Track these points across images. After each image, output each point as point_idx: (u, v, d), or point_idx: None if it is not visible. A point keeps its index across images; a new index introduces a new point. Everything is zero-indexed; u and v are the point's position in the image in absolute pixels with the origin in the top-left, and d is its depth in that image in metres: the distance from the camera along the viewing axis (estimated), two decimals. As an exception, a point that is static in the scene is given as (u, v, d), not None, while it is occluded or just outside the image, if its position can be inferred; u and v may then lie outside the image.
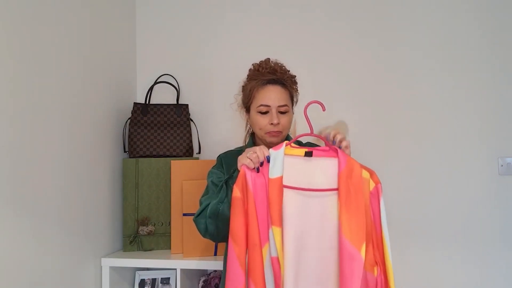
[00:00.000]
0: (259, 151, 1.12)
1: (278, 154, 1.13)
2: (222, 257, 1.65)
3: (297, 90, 1.38)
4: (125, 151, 1.90)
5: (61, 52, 1.48)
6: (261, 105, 1.28)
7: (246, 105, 1.35)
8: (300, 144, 1.38)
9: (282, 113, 1.29)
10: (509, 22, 1.81)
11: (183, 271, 1.66)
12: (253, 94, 1.30)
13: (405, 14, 1.90)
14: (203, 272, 1.84)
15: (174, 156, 1.84)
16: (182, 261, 1.64)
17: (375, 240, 1.08)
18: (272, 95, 1.28)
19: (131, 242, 1.76)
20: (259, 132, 1.32)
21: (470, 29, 1.84)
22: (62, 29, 1.48)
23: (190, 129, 1.89)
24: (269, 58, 1.36)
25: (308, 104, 1.16)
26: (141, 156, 1.82)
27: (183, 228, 1.67)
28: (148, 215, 1.78)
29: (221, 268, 1.51)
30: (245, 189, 1.12)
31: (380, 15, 1.91)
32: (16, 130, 1.25)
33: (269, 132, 1.29)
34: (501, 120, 1.80)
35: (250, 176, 1.12)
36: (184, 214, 1.67)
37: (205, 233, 1.23)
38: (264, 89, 1.29)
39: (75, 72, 1.55)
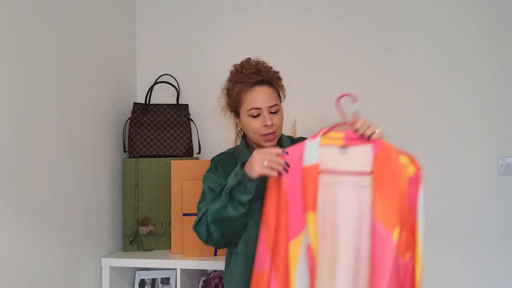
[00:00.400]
0: (271, 155, 1.07)
1: (314, 143, 1.12)
2: (223, 257, 1.65)
3: (283, 86, 1.35)
4: (125, 151, 1.90)
5: (61, 52, 1.48)
6: (252, 108, 1.25)
7: (235, 110, 1.31)
8: (292, 141, 1.36)
9: (273, 113, 1.26)
10: (509, 22, 1.81)
11: (183, 271, 1.66)
12: (241, 98, 1.26)
13: (405, 14, 1.90)
14: (203, 272, 1.84)
15: (174, 156, 1.84)
16: (182, 261, 1.64)
17: (410, 227, 1.06)
18: (261, 97, 1.25)
19: (131, 242, 1.76)
20: (253, 136, 1.29)
21: (470, 29, 1.84)
22: (62, 29, 1.48)
23: (190, 129, 1.89)
24: (249, 58, 1.32)
25: (340, 97, 1.16)
26: (141, 156, 1.82)
27: (183, 228, 1.67)
28: (148, 215, 1.78)
29: (221, 268, 1.51)
30: (278, 180, 1.12)
31: (380, 15, 1.91)
32: (16, 130, 1.25)
33: (264, 135, 1.26)
34: (501, 120, 1.80)
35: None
36: (184, 214, 1.67)
37: (207, 240, 1.21)
38: (252, 91, 1.25)
39: (75, 72, 1.55)
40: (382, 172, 1.06)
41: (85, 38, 1.63)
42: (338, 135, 1.13)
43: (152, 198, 1.79)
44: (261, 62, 1.31)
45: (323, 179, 1.10)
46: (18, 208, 1.26)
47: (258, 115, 1.25)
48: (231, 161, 1.33)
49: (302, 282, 1.05)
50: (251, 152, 1.30)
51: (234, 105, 1.30)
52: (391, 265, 1.00)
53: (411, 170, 1.08)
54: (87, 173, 1.62)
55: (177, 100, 1.96)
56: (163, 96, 1.98)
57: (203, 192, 1.29)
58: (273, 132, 1.27)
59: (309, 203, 1.06)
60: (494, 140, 1.80)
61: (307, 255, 1.05)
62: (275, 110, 1.27)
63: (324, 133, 1.13)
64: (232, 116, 1.35)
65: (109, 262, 1.68)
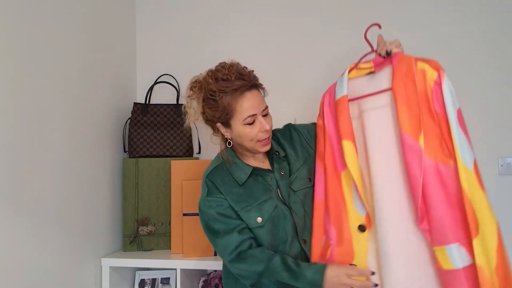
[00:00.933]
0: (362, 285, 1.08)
1: (342, 78, 1.23)
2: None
3: (262, 84, 1.26)
4: (125, 151, 1.90)
5: (61, 52, 1.48)
6: (248, 116, 1.17)
7: (223, 121, 1.21)
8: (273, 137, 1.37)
9: (265, 115, 1.22)
10: (509, 22, 1.81)
11: (183, 271, 1.66)
12: (233, 107, 1.17)
13: (405, 14, 1.89)
14: (203, 272, 1.84)
15: (174, 156, 1.84)
16: (182, 261, 1.64)
17: (445, 131, 1.07)
18: (253, 103, 1.18)
19: (131, 242, 1.76)
20: (249, 143, 1.21)
21: (470, 29, 1.84)
22: (62, 29, 1.48)
23: (190, 129, 1.89)
24: (224, 62, 1.23)
25: (368, 28, 1.24)
26: (141, 156, 1.82)
27: (183, 228, 1.67)
28: (148, 215, 1.78)
29: (221, 268, 1.51)
30: (322, 116, 1.27)
31: (380, 15, 1.91)
32: (16, 130, 1.25)
33: (261, 141, 1.22)
34: (501, 120, 1.80)
35: (326, 105, 1.26)
36: (184, 214, 1.67)
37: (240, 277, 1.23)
38: (244, 99, 1.17)
39: (75, 72, 1.55)
40: (402, 83, 1.10)
41: (85, 38, 1.63)
42: (367, 64, 1.21)
43: (152, 198, 1.79)
44: (236, 64, 1.23)
45: (353, 109, 1.20)
46: (18, 208, 1.26)
47: (253, 122, 1.19)
48: (226, 173, 1.26)
49: (360, 208, 1.14)
50: (243, 162, 1.27)
51: (224, 116, 1.19)
52: (421, 170, 1.03)
53: (432, 74, 1.09)
54: (87, 173, 1.62)
55: (177, 100, 1.96)
56: (163, 96, 1.98)
57: (212, 221, 1.21)
58: (269, 135, 1.24)
59: (342, 132, 1.16)
60: (494, 140, 1.80)
61: (352, 181, 1.14)
62: (267, 113, 1.23)
63: (353, 68, 1.23)
64: (219, 126, 1.24)
65: (109, 262, 1.68)
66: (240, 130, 1.20)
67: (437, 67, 1.08)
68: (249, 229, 1.21)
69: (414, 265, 1.06)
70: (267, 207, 1.22)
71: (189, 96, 1.25)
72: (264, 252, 1.18)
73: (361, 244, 1.13)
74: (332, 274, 1.09)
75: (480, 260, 0.96)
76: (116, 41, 1.90)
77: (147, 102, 1.90)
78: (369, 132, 1.17)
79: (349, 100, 1.20)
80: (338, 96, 1.21)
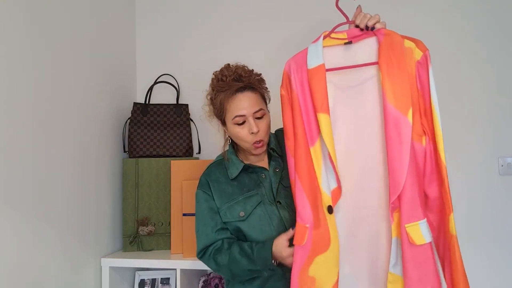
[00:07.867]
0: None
1: (317, 46, 1.14)
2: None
3: (267, 88, 1.30)
4: (125, 151, 1.90)
5: (61, 52, 1.48)
6: (236, 116, 1.21)
7: (221, 118, 1.28)
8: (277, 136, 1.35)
9: (258, 118, 1.23)
10: (509, 22, 1.81)
11: (183, 271, 1.66)
12: (225, 106, 1.22)
13: (404, 13, 1.89)
14: (203, 272, 1.84)
15: (174, 156, 1.84)
16: (182, 261, 1.64)
17: (422, 109, 1.06)
18: (244, 104, 1.21)
19: (131, 242, 1.76)
20: (244, 145, 1.26)
21: (470, 29, 1.84)
22: (62, 29, 1.48)
23: (190, 129, 1.89)
24: (228, 64, 1.28)
25: None
26: (141, 156, 1.82)
27: (183, 228, 1.67)
28: (148, 215, 1.78)
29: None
30: (289, 88, 1.16)
31: (380, 15, 1.91)
32: (16, 131, 1.25)
33: (254, 143, 1.23)
34: (501, 120, 1.80)
35: (294, 75, 1.15)
36: (184, 214, 1.67)
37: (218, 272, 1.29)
38: (235, 99, 1.21)
39: (75, 72, 1.55)
40: (389, 58, 1.06)
41: (85, 38, 1.63)
42: (341, 35, 1.15)
43: (152, 198, 1.79)
44: (241, 67, 1.27)
45: (331, 79, 1.12)
46: (18, 208, 1.26)
47: (243, 122, 1.22)
48: (221, 171, 1.31)
49: (328, 186, 1.09)
50: (239, 159, 1.30)
51: (219, 114, 1.27)
52: (409, 146, 1.00)
53: (417, 54, 1.07)
54: (87, 173, 1.62)
55: (177, 100, 1.96)
56: (163, 96, 1.98)
57: (200, 211, 1.32)
58: (260, 140, 1.24)
59: (318, 104, 1.09)
60: (494, 140, 1.80)
61: (329, 160, 1.08)
62: (260, 115, 1.23)
63: (326, 35, 1.15)
64: (219, 124, 1.31)
65: (109, 262, 1.67)
66: (231, 129, 1.25)
67: (423, 48, 1.08)
68: (230, 224, 1.27)
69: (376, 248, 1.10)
70: (251, 202, 1.25)
71: (208, 94, 1.31)
72: (226, 245, 1.25)
73: (332, 227, 1.08)
74: (275, 249, 1.17)
75: (453, 231, 1.05)
76: (116, 41, 1.90)
77: (147, 102, 1.90)
78: (346, 108, 1.12)
79: (328, 70, 1.12)
80: (312, 65, 1.11)
